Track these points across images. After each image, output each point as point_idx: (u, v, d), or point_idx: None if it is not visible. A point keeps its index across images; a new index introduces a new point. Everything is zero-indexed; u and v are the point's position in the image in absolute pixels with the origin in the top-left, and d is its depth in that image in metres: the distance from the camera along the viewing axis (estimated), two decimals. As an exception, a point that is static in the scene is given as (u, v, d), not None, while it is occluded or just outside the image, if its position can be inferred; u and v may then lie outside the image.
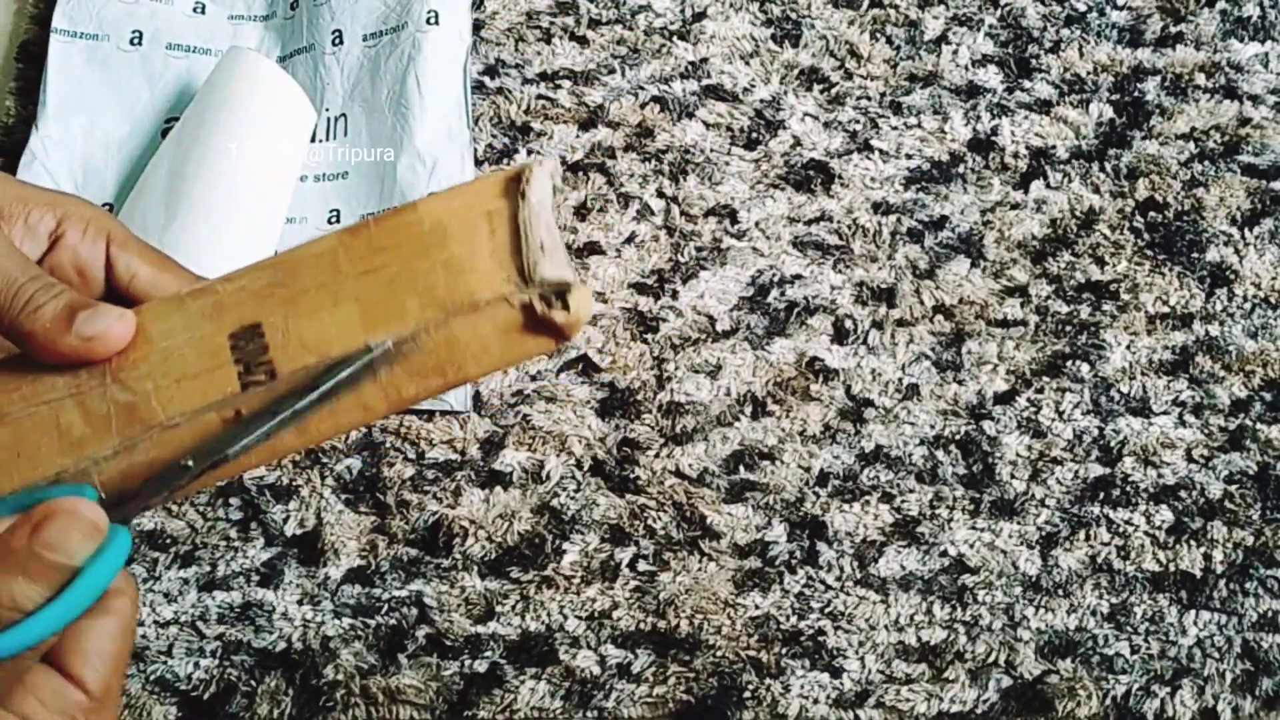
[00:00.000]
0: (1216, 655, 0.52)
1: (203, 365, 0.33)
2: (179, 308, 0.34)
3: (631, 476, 0.55)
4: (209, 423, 0.33)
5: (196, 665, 0.51)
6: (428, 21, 0.63)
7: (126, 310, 0.33)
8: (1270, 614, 0.52)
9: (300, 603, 0.53)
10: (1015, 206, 0.61)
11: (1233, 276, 0.59)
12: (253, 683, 0.51)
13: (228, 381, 0.33)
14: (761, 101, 0.63)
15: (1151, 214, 0.61)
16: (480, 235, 0.33)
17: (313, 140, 0.63)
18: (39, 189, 0.37)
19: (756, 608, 0.53)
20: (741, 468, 0.55)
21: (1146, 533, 0.54)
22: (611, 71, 0.64)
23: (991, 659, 0.52)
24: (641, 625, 0.52)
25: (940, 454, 0.56)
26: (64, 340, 0.32)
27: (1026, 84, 0.64)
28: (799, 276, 0.59)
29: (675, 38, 0.65)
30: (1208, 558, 0.54)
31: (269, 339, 0.33)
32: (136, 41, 0.65)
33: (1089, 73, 0.64)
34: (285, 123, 0.60)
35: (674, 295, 0.59)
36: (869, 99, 0.64)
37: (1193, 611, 0.53)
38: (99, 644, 0.32)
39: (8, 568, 0.29)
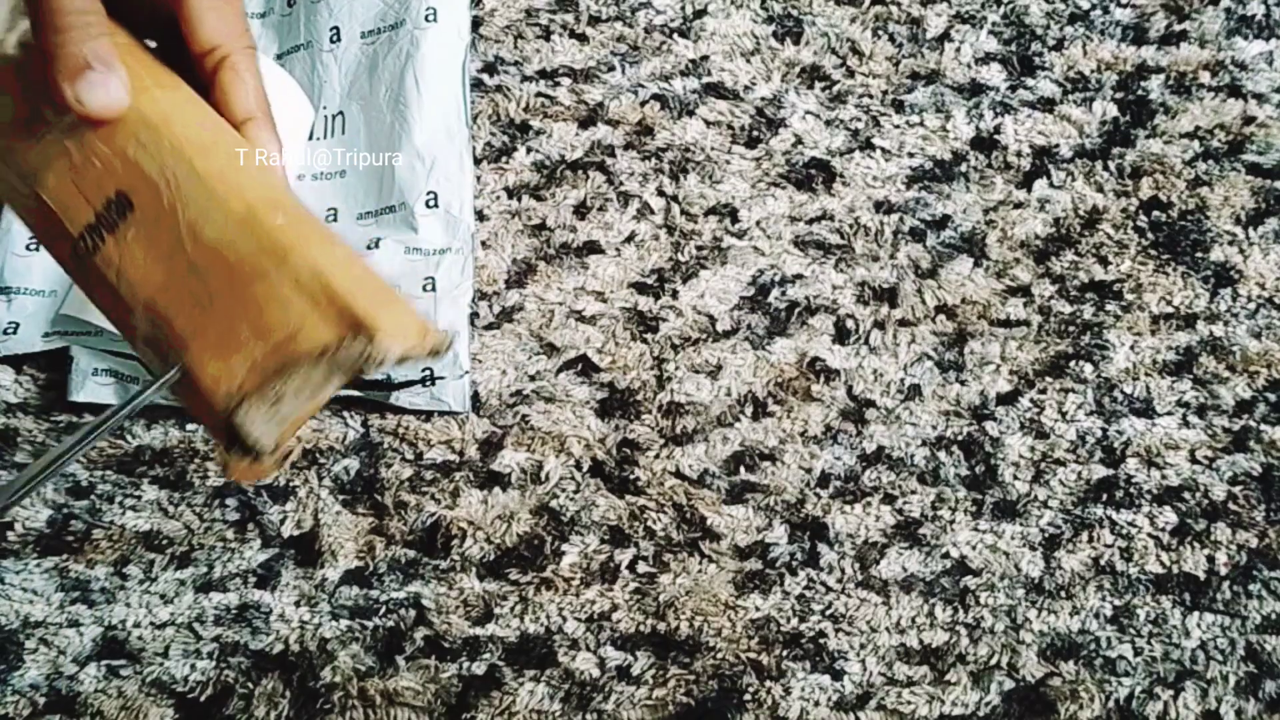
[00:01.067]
0: (1220, 658, 0.52)
1: (86, 180, 0.34)
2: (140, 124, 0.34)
3: (631, 477, 0.55)
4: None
5: (193, 667, 0.51)
6: (426, 19, 0.62)
7: (123, 96, 0.34)
8: (1274, 616, 0.52)
9: (297, 604, 0.52)
10: (1018, 205, 0.61)
11: (1237, 276, 0.59)
12: (250, 685, 0.51)
13: (82, 215, 0.34)
14: (762, 99, 0.63)
15: (1155, 213, 0.60)
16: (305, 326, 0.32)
17: (310, 138, 0.62)
18: None
19: (757, 610, 0.52)
20: (742, 469, 0.55)
21: (1150, 534, 0.54)
22: (611, 69, 0.64)
23: (994, 661, 0.52)
24: (641, 627, 0.52)
25: (942, 455, 0.55)
26: (60, 89, 0.34)
27: (1030, 82, 0.63)
28: (800, 276, 0.59)
29: (676, 35, 0.65)
30: (1211, 560, 0.53)
31: (125, 227, 0.34)
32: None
33: (1092, 71, 0.64)
34: (283, 122, 0.60)
35: (674, 295, 0.59)
36: (871, 97, 0.63)
37: (1196, 614, 0.52)
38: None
39: None
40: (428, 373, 0.55)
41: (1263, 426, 0.56)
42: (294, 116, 0.60)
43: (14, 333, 0.56)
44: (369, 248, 0.58)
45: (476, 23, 0.65)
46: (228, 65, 0.36)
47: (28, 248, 0.57)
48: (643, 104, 0.63)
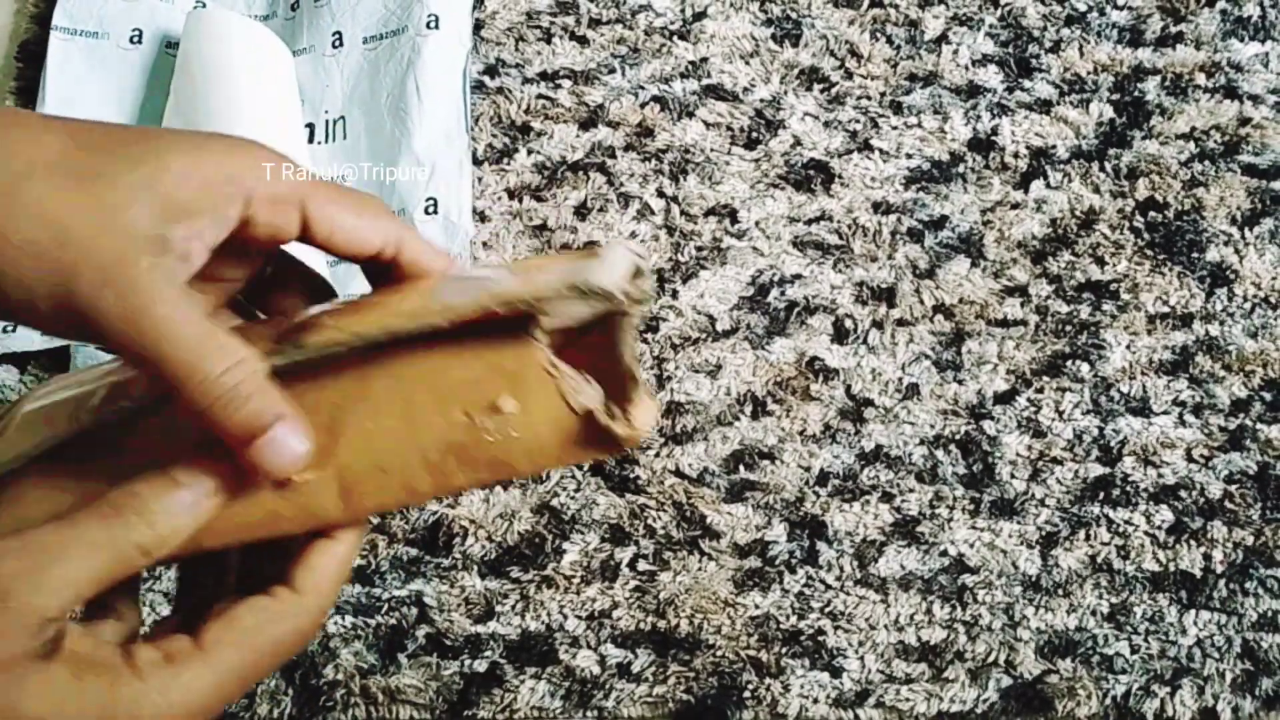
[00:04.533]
0: (1216, 655, 0.52)
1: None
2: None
3: (631, 476, 0.55)
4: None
5: (196, 665, 0.51)
6: (428, 25, 0.63)
7: (305, 441, 0.34)
8: (1270, 614, 0.52)
9: (300, 602, 0.53)
10: (1015, 206, 0.61)
11: (1233, 276, 0.59)
12: (253, 682, 0.51)
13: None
14: (762, 101, 0.63)
15: (1152, 214, 0.61)
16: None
17: (311, 142, 0.63)
18: (221, 157, 0.34)
19: (756, 607, 0.53)
20: (741, 467, 0.55)
21: (1146, 532, 0.54)
22: (612, 71, 0.64)
23: (991, 659, 0.52)
24: (641, 625, 0.52)
25: (940, 454, 0.56)
26: (244, 457, 0.34)
27: (1027, 84, 0.64)
28: (799, 276, 0.59)
29: (675, 37, 0.65)
30: (1208, 557, 0.54)
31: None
32: (136, 40, 0.65)
33: (1089, 72, 0.64)
34: (271, 69, 0.62)
35: (674, 295, 0.59)
36: (869, 99, 0.64)
37: (1193, 611, 0.53)
38: (237, 611, 0.34)
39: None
40: None
41: (1258, 425, 0.56)
42: (277, 61, 0.62)
43: (13, 330, 0.56)
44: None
45: (478, 25, 0.65)
46: (406, 248, 0.36)
47: None
48: (643, 106, 0.63)
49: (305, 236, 0.36)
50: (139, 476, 0.34)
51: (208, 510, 0.35)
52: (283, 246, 0.36)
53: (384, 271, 0.36)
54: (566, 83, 0.64)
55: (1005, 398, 0.57)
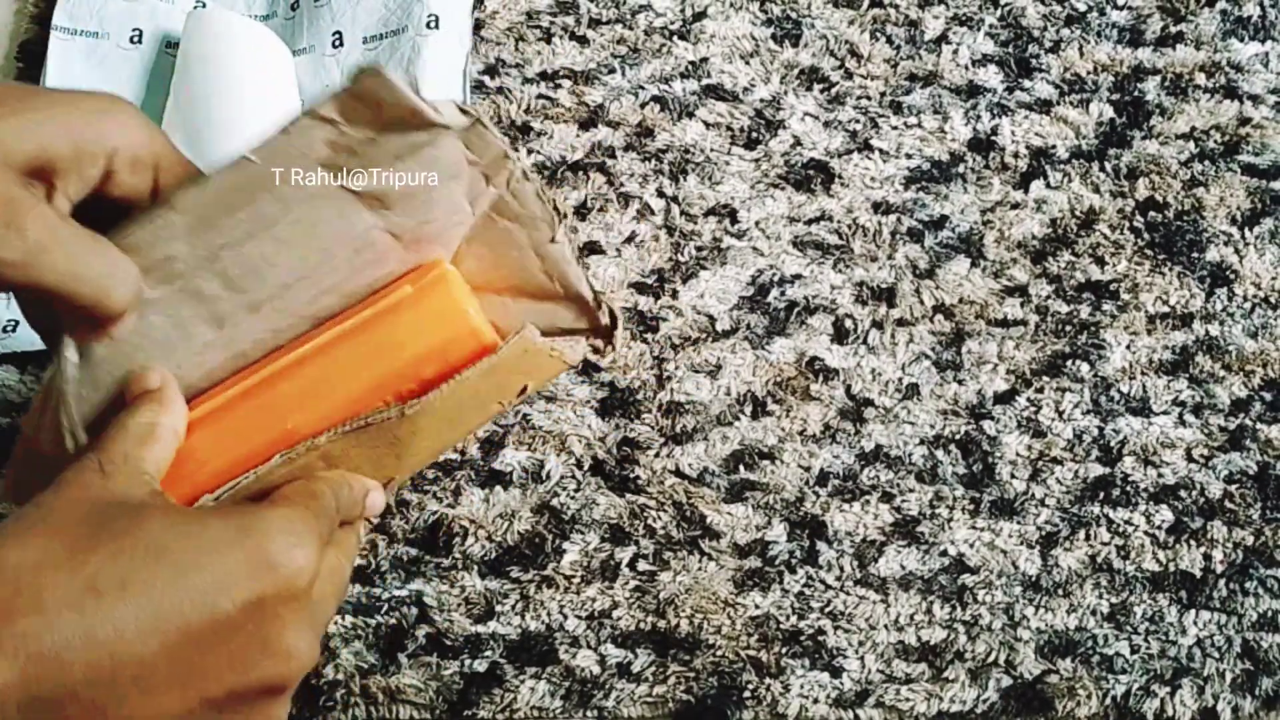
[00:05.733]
0: (1216, 655, 0.52)
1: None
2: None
3: (631, 476, 0.55)
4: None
5: (196, 665, 0.51)
6: (428, 25, 0.63)
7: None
8: (1270, 614, 0.52)
9: (300, 602, 0.53)
10: (1015, 206, 0.61)
11: (1233, 276, 0.59)
12: (253, 682, 0.51)
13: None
14: (761, 101, 0.63)
15: (1151, 214, 0.61)
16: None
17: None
18: (88, 116, 0.37)
19: (756, 607, 0.53)
20: (741, 467, 0.55)
21: (1146, 532, 0.54)
22: (611, 71, 0.64)
23: (991, 659, 0.52)
24: (641, 625, 0.53)
25: (940, 454, 0.56)
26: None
27: (1026, 84, 0.64)
28: (799, 276, 0.59)
29: (675, 37, 0.65)
30: (1208, 557, 0.54)
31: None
32: (136, 40, 0.65)
33: (1089, 72, 0.64)
34: (271, 69, 0.62)
35: (674, 295, 0.59)
36: (869, 99, 0.64)
37: (1192, 611, 0.53)
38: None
39: None
40: None
41: (1258, 425, 0.56)
42: (278, 60, 0.62)
43: (13, 331, 0.56)
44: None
45: (478, 25, 0.65)
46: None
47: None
48: (643, 106, 0.63)
49: (153, 199, 0.39)
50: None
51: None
52: None
53: None
54: (566, 83, 0.64)
55: (1005, 398, 0.57)
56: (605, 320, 0.46)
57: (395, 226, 0.42)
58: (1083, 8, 0.66)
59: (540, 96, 0.64)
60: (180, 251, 0.39)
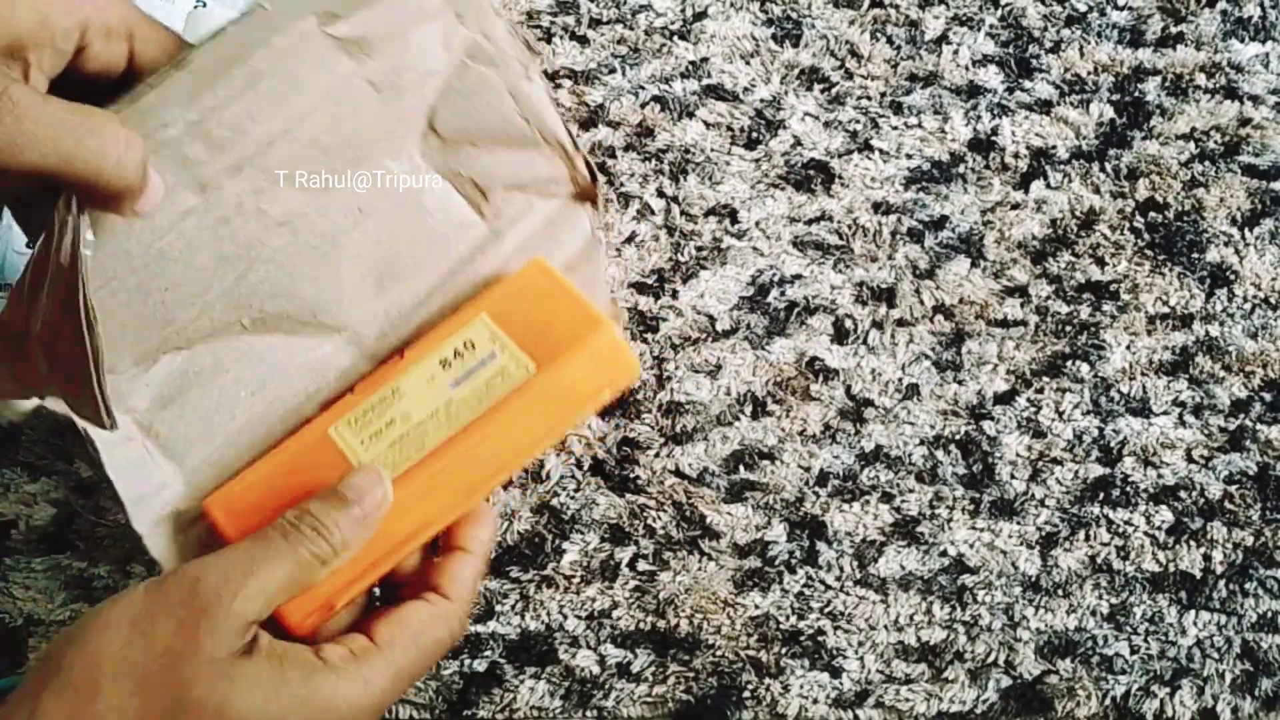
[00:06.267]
0: (1216, 656, 0.52)
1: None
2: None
3: (631, 476, 0.55)
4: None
5: (196, 664, 0.51)
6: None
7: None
8: (1270, 614, 0.52)
9: (300, 602, 0.53)
10: (1015, 206, 0.61)
11: (1233, 277, 0.59)
12: (252, 682, 0.51)
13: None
14: (762, 101, 0.63)
15: (1152, 214, 0.61)
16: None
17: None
18: None
19: (756, 607, 0.53)
20: (741, 467, 0.55)
21: (1146, 533, 0.54)
22: (612, 71, 0.64)
23: (991, 659, 0.52)
24: (641, 625, 0.53)
25: (940, 454, 0.56)
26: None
27: (1027, 84, 0.64)
28: (799, 276, 0.59)
29: (676, 37, 0.65)
30: (1207, 558, 0.54)
31: None
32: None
33: (1089, 73, 0.64)
34: None
35: (674, 295, 0.59)
36: (869, 99, 0.64)
37: (1192, 612, 0.53)
38: (402, 615, 0.41)
39: (320, 499, 0.40)
40: None
41: (1258, 426, 0.56)
42: None
43: None
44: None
45: (478, 25, 0.65)
46: None
47: (27, 245, 0.58)
48: (643, 106, 0.63)
49: (131, 70, 0.39)
50: (313, 495, 0.40)
51: (374, 523, 0.40)
52: None
53: None
54: (567, 82, 0.64)
55: (1005, 398, 0.57)
56: (584, 171, 0.47)
57: (373, 74, 0.43)
58: (1083, 8, 0.66)
59: (540, 96, 0.63)
60: (173, 117, 0.40)
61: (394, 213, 0.46)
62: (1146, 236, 0.60)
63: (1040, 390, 0.57)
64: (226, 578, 0.37)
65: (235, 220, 0.42)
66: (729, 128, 0.63)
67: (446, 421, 0.44)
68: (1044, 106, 0.63)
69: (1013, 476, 0.55)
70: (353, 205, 0.45)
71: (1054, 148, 0.62)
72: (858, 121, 0.63)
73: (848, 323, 0.58)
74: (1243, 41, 0.65)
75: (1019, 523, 0.54)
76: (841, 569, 0.53)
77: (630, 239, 0.60)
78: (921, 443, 0.56)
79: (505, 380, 0.44)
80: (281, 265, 0.44)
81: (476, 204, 0.47)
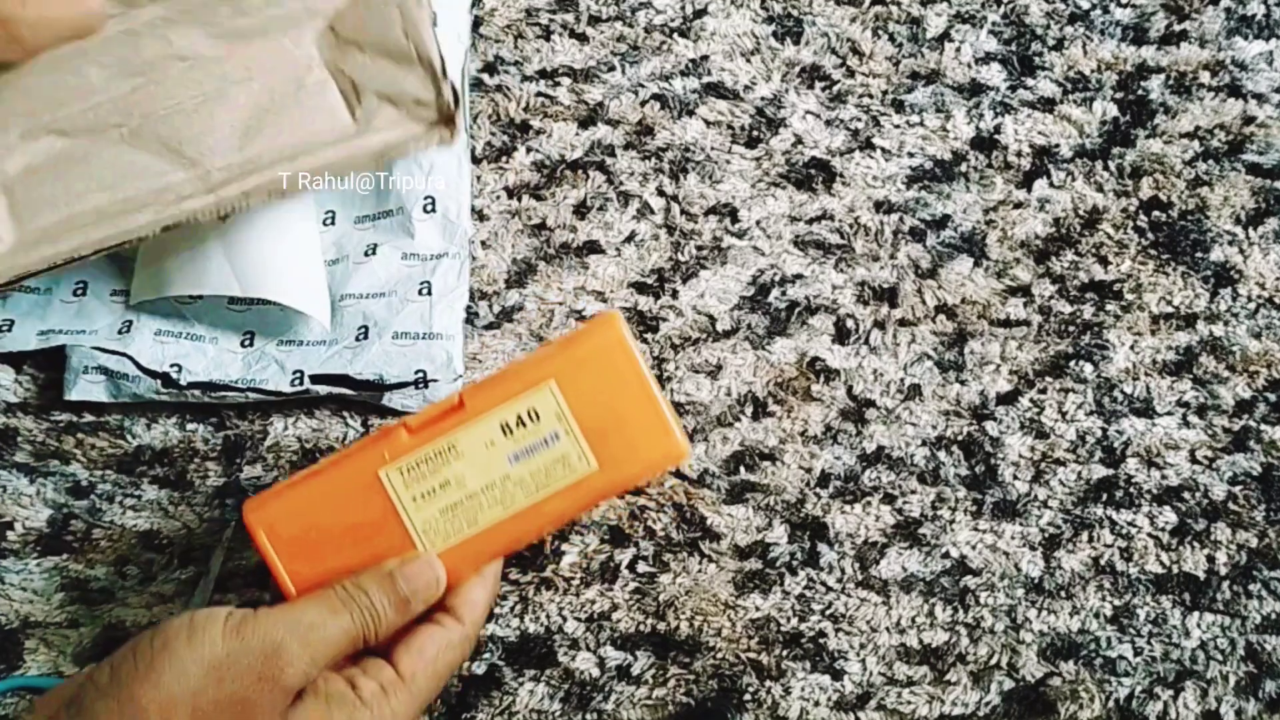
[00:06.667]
0: (1220, 658, 0.52)
1: None
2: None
3: (631, 477, 0.55)
4: None
5: (193, 667, 0.51)
6: (427, 19, 0.62)
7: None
8: (1274, 616, 0.52)
9: (297, 604, 0.52)
10: (1018, 205, 0.61)
11: (1237, 276, 0.59)
12: (250, 685, 0.51)
13: None
14: (762, 99, 0.63)
15: (1155, 213, 0.60)
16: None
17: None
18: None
19: (757, 609, 0.53)
20: (742, 468, 0.55)
21: (1150, 534, 0.54)
22: (611, 69, 0.64)
23: (993, 661, 0.52)
24: (641, 627, 0.52)
25: (942, 455, 0.55)
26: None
27: (1030, 82, 0.63)
28: (800, 276, 0.59)
29: (676, 35, 0.65)
30: (1211, 560, 0.53)
31: None
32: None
33: (1092, 71, 0.64)
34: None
35: (674, 294, 0.59)
36: (871, 97, 0.63)
37: (1196, 614, 0.52)
38: (422, 644, 0.44)
39: (375, 578, 0.44)
40: (421, 374, 0.55)
41: (1263, 426, 0.56)
42: None
43: (8, 330, 0.56)
44: (366, 254, 0.58)
45: (477, 22, 0.65)
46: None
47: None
48: (643, 104, 0.63)
49: None
50: (369, 572, 0.44)
51: (420, 609, 0.45)
52: None
53: None
54: (566, 80, 0.64)
55: (1008, 398, 0.56)
56: (448, 96, 0.51)
57: None
58: (1086, 5, 0.65)
59: (539, 94, 0.63)
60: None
61: (278, 84, 0.52)
62: (1150, 236, 0.60)
63: (1043, 390, 0.57)
64: (306, 642, 0.41)
65: (145, 39, 0.51)
66: (729, 126, 0.62)
67: (500, 500, 0.45)
68: (1047, 105, 0.63)
69: (1015, 477, 0.55)
70: (246, 65, 0.51)
71: (1057, 146, 0.62)
72: (859, 120, 0.63)
73: (849, 323, 0.58)
74: (1247, 39, 0.64)
75: (1022, 524, 0.54)
76: (843, 571, 0.53)
77: (630, 238, 0.60)
78: (923, 443, 0.56)
79: (565, 471, 0.45)
80: (170, 94, 0.51)
81: (350, 101, 0.52)
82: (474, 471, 0.45)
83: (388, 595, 0.43)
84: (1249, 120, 0.62)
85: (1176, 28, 0.65)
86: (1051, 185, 0.61)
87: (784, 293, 0.59)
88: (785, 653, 0.52)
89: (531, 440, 0.45)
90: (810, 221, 0.60)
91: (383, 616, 0.43)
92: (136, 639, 0.41)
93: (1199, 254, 0.59)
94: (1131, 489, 0.55)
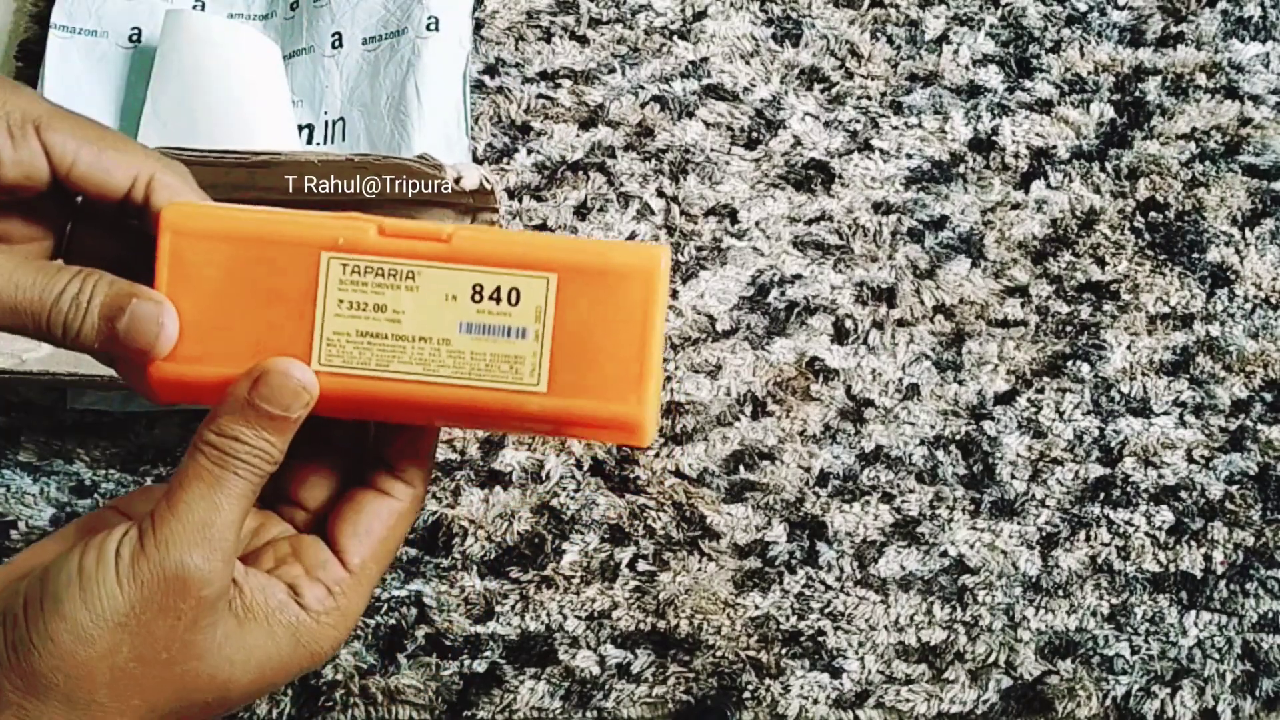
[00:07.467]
0: (1217, 656, 0.52)
1: None
2: None
3: (631, 476, 0.55)
4: None
5: (195, 665, 0.51)
6: (428, 28, 0.63)
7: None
8: (1270, 615, 0.52)
9: (299, 602, 0.53)
10: (1016, 206, 0.61)
11: (1233, 277, 0.59)
12: (252, 682, 0.51)
13: None
14: (762, 101, 0.63)
15: (1152, 214, 0.61)
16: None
17: (310, 143, 0.63)
18: None
19: (756, 608, 0.53)
20: (741, 468, 0.55)
21: (1147, 533, 0.54)
22: (612, 71, 0.64)
23: (991, 659, 0.52)
24: (641, 625, 0.52)
25: (940, 454, 0.56)
26: (121, 353, 0.35)
27: (1027, 84, 0.64)
28: (799, 276, 0.59)
29: (675, 37, 0.65)
30: (1208, 558, 0.54)
31: None
32: (135, 39, 0.65)
33: (1090, 72, 0.64)
34: (255, 71, 0.61)
35: (674, 295, 0.59)
36: (869, 98, 0.64)
37: (1193, 612, 0.53)
38: (369, 523, 0.37)
39: (234, 414, 0.35)
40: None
41: (1259, 426, 0.56)
42: (264, 58, 0.61)
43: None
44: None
45: (478, 25, 0.65)
46: (159, 189, 0.37)
47: None
48: (643, 105, 0.63)
49: (56, 177, 0.36)
50: (221, 408, 0.36)
51: (296, 419, 0.36)
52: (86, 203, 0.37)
53: (137, 214, 0.36)
54: (566, 82, 0.64)
55: (1006, 398, 0.57)
56: None
57: None
58: (1083, 8, 0.66)
59: (540, 96, 0.63)
60: None
61: None
62: (1147, 236, 0.60)
63: (1041, 390, 0.57)
64: (208, 546, 0.34)
65: None
66: (729, 128, 0.63)
67: (423, 360, 0.38)
68: (1044, 106, 0.63)
69: (1013, 477, 0.55)
70: None
71: (1054, 147, 0.62)
72: (858, 121, 0.63)
73: (848, 323, 0.58)
74: (1243, 41, 0.65)
75: (1019, 523, 0.54)
76: (842, 569, 0.53)
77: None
78: (922, 443, 0.56)
79: (509, 374, 0.38)
80: None
81: None
82: (418, 315, 0.38)
83: (261, 426, 0.35)
84: (1245, 122, 0.63)
85: (1173, 30, 0.65)
86: (1049, 186, 0.61)
87: (783, 293, 0.59)
88: (784, 651, 0.52)
89: (495, 321, 0.38)
90: (809, 222, 0.61)
91: (269, 452, 0.35)
92: (15, 594, 0.34)
93: (1195, 255, 0.59)
94: (1129, 488, 0.55)
